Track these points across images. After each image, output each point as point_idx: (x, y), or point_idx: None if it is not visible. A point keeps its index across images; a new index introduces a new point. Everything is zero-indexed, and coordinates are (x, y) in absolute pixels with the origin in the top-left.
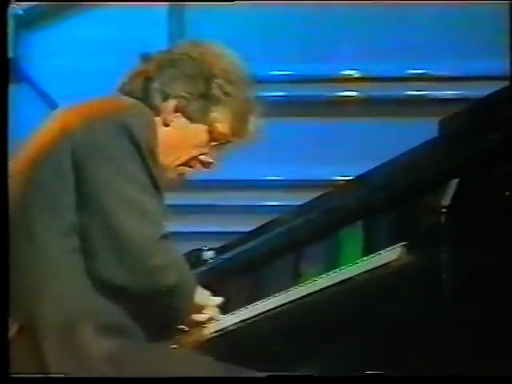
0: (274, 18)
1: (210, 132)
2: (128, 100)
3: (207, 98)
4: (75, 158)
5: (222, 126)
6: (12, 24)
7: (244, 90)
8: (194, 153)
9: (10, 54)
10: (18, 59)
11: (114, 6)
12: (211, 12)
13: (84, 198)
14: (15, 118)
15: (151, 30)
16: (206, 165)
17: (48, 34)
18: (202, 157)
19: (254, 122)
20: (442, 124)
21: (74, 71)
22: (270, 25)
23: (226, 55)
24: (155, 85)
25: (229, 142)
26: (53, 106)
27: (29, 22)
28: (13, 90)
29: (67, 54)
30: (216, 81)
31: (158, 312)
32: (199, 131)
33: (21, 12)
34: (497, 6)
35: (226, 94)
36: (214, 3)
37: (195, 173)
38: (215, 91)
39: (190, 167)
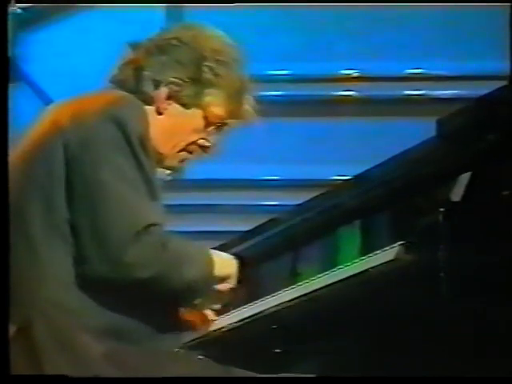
0: (272, 18)
1: (206, 117)
2: (118, 93)
3: (199, 82)
4: (67, 154)
5: (217, 109)
6: (11, 23)
7: (236, 69)
8: (192, 138)
9: (9, 53)
10: (16, 58)
11: (112, 7)
12: (209, 12)
13: (73, 193)
14: (13, 117)
15: (149, 30)
16: (205, 149)
17: (46, 33)
18: (200, 141)
19: (250, 101)
20: (439, 123)
21: (72, 70)
22: (268, 24)
23: (217, 36)
24: (146, 73)
25: (226, 124)
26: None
27: (27, 21)
28: (11, 88)
29: (65, 54)
30: (207, 63)
31: (153, 305)
32: (195, 116)
33: (19, 11)
34: (496, 6)
35: (218, 75)
36: (212, 4)
37: (195, 158)
38: (207, 74)
39: (190, 153)
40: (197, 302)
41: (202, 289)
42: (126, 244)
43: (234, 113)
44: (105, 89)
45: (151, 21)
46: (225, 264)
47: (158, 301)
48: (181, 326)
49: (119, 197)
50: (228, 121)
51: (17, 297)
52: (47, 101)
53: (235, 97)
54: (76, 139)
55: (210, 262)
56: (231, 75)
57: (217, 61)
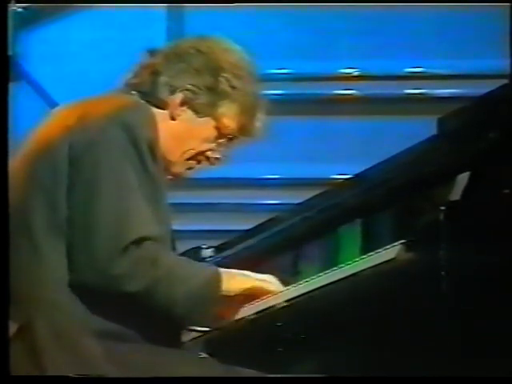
0: (272, 17)
1: (218, 128)
2: (128, 97)
3: (215, 92)
4: (71, 155)
5: (229, 122)
6: (11, 22)
7: (252, 85)
8: (202, 147)
9: (9, 52)
10: (17, 57)
11: (113, 6)
12: (210, 11)
13: (73, 195)
14: (14, 116)
15: (150, 29)
16: (212, 161)
17: (47, 32)
18: (208, 153)
19: (261, 120)
20: (440, 122)
21: (73, 69)
22: (268, 23)
23: (234, 50)
24: (162, 78)
25: (235, 138)
26: (51, 103)
27: (28, 19)
28: (11, 87)
29: (66, 53)
30: (224, 75)
31: (150, 314)
32: (207, 125)
33: (20, 10)
34: (496, 5)
35: (234, 88)
36: (212, 4)
37: (201, 169)
38: (223, 85)
39: (197, 163)
40: (196, 320)
41: (198, 309)
42: (114, 256)
43: (245, 128)
44: (113, 91)
45: (152, 21)
46: (236, 280)
47: (153, 313)
48: (179, 335)
49: (114, 206)
50: (238, 135)
51: (18, 295)
52: (48, 99)
53: (248, 112)
54: (82, 142)
55: (210, 284)
56: (247, 90)
57: (234, 74)
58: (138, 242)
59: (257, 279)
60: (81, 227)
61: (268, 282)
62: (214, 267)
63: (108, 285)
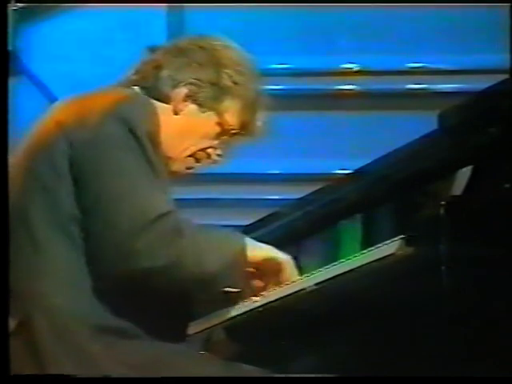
0: (273, 12)
1: (220, 124)
2: (125, 91)
3: (217, 87)
4: (72, 153)
5: (232, 117)
6: (11, 16)
7: (253, 82)
8: (203, 144)
9: (9, 47)
10: (17, 52)
11: (113, 6)
12: (210, 8)
13: (83, 192)
14: (14, 111)
15: (150, 27)
16: (213, 159)
17: (47, 26)
18: (209, 150)
19: (262, 119)
20: (441, 117)
21: (73, 65)
22: (269, 19)
23: (234, 47)
24: (165, 72)
25: (237, 135)
26: (51, 98)
27: (28, 14)
28: (11, 82)
29: (66, 48)
30: (226, 70)
31: (163, 305)
32: (209, 121)
33: (20, 5)
34: (496, 6)
35: (236, 83)
36: (213, 4)
37: (201, 167)
38: (225, 80)
39: (197, 161)
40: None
41: (225, 279)
42: (138, 232)
43: (246, 126)
44: (112, 86)
45: (152, 19)
46: (259, 251)
47: (167, 302)
48: (182, 331)
49: (130, 189)
50: (239, 132)
51: (17, 291)
52: (48, 94)
53: (250, 109)
54: (81, 138)
55: (238, 253)
56: (248, 86)
57: (235, 70)
58: (161, 216)
59: (276, 254)
60: (100, 220)
61: (285, 261)
62: (240, 235)
63: (134, 263)
